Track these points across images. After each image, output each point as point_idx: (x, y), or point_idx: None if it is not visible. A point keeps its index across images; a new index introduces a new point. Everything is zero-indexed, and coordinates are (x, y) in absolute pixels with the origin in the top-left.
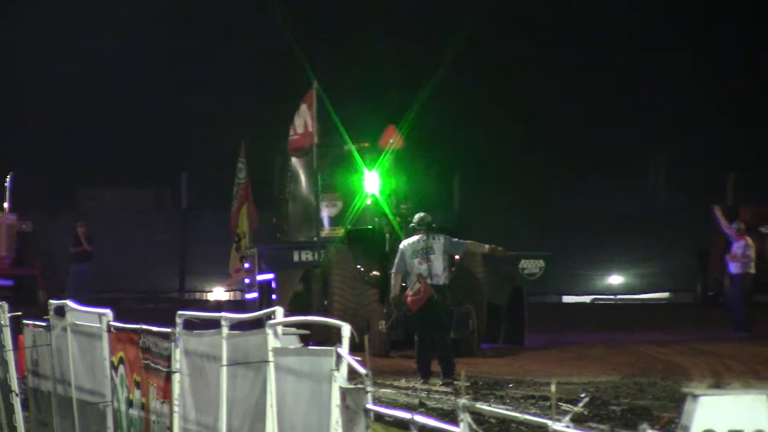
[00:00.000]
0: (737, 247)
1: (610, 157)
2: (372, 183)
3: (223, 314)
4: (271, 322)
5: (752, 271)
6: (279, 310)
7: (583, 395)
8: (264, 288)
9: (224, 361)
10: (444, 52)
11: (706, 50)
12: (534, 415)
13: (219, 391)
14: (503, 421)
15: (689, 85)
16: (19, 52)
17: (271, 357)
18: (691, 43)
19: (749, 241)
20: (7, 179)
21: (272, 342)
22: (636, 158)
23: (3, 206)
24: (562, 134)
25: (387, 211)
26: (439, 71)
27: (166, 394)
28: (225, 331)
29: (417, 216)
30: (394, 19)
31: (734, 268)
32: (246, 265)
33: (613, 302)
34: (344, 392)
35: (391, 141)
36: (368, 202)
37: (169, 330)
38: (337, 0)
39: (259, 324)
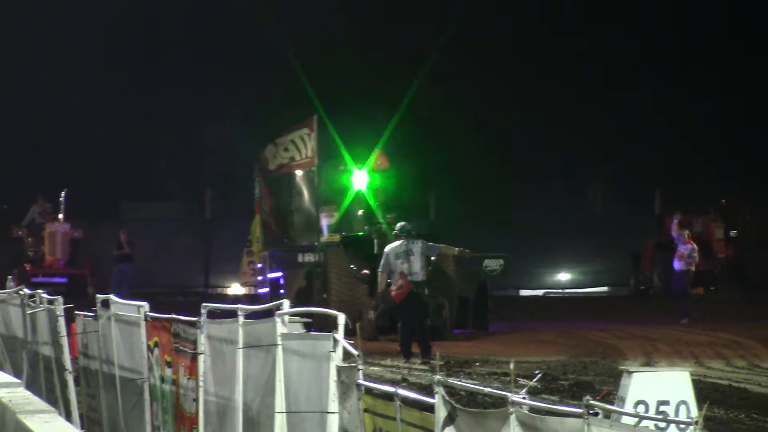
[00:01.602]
0: (684, 249)
1: (558, 174)
2: (360, 181)
3: (239, 306)
4: (279, 312)
5: (693, 269)
6: (286, 303)
7: (537, 372)
8: (274, 284)
9: (240, 345)
10: (420, 86)
11: (639, 88)
12: (496, 388)
13: (236, 369)
14: (471, 393)
15: (623, 116)
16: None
17: (279, 341)
18: (633, 82)
19: (695, 246)
20: (62, 195)
21: (280, 328)
22: (579, 176)
23: (59, 217)
24: (518, 155)
25: (375, 210)
26: (416, 102)
27: (193, 372)
28: (241, 319)
29: (399, 224)
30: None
31: (679, 266)
32: (259, 265)
33: (561, 295)
34: (340, 370)
35: (378, 162)
36: (359, 212)
37: (195, 319)
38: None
39: (269, 314)
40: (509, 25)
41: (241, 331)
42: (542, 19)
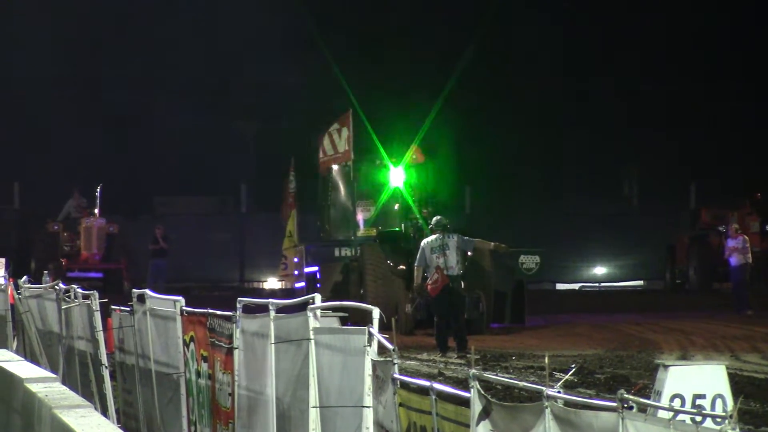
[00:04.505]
0: (737, 243)
1: (593, 169)
2: (397, 178)
3: (271, 300)
4: (312, 306)
5: (750, 261)
6: (317, 297)
7: (572, 366)
8: (310, 278)
9: (271, 339)
10: (456, 83)
11: (674, 82)
12: (532, 382)
13: (268, 364)
14: (507, 387)
15: (658, 110)
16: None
17: (311, 335)
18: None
19: (745, 237)
20: (98, 190)
21: (312, 323)
22: (614, 170)
23: (94, 212)
24: (553, 150)
25: (412, 206)
26: (452, 97)
27: (228, 366)
28: (272, 314)
29: (435, 219)
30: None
31: (736, 260)
32: (295, 260)
33: (597, 289)
34: (375, 364)
35: (414, 157)
36: (396, 207)
37: (230, 313)
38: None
39: (304, 308)
40: (547, 18)
41: (272, 325)
42: (580, 13)
